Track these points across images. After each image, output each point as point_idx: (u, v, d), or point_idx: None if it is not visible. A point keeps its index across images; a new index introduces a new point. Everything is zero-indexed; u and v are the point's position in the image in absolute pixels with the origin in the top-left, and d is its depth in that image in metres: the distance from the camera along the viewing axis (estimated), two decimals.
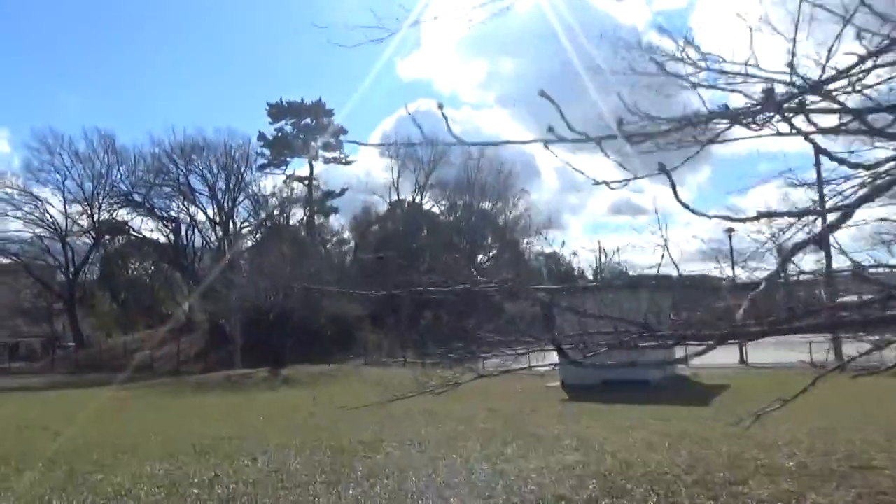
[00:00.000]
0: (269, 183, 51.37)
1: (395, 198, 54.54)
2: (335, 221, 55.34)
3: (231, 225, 47.80)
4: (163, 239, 47.87)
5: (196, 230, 48.22)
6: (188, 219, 47.81)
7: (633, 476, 6.42)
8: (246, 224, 47.83)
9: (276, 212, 50.15)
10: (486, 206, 55.43)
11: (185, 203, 46.80)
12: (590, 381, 17.10)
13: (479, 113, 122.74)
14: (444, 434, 9.76)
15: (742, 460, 6.83)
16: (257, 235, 48.14)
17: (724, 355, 25.06)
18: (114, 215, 46.40)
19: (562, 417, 11.52)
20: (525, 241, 56.98)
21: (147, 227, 48.14)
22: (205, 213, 47.97)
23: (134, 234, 47.98)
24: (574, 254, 64.66)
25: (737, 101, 4.53)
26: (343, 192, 53.00)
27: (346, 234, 56.32)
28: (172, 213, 46.76)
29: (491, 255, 56.86)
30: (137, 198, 44.57)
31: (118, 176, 45.37)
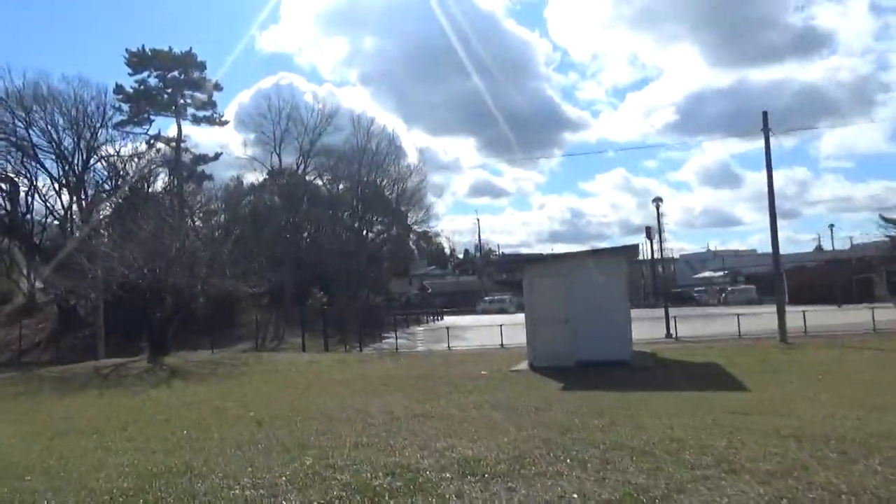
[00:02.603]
0: (127, 144, 44.86)
1: (275, 164, 49.75)
2: (205, 191, 49.54)
3: (82, 191, 40.95)
4: None
5: (37, 195, 40.91)
6: (27, 181, 40.40)
7: None
8: (101, 191, 41.19)
9: (136, 177, 43.74)
10: (373, 178, 51.96)
11: (25, 162, 39.39)
12: (562, 363, 14.89)
13: (341, 90, 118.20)
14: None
15: None
16: (114, 203, 41.64)
17: (651, 330, 24.06)
18: None
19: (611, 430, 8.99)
20: (413, 217, 54.40)
21: None
22: (49, 175, 40.76)
23: None
24: (438, 234, 63.06)
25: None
26: (217, 156, 47.60)
27: (214, 205, 50.61)
28: (8, 174, 39.11)
29: (376, 230, 53.64)
30: None
31: None
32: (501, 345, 24.52)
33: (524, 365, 15.96)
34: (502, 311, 55.03)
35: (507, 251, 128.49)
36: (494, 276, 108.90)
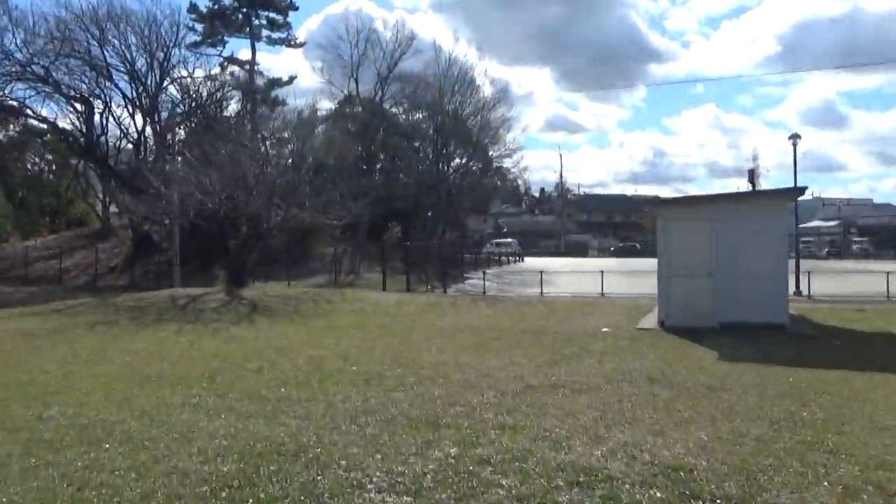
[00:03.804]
0: (201, 66, 44.14)
1: (352, 90, 48.24)
2: (279, 118, 48.56)
3: (156, 113, 40.54)
4: (70, 126, 40.19)
5: (112, 117, 40.73)
6: (102, 102, 40.17)
7: None
8: (175, 114, 40.69)
9: (210, 100, 43.06)
10: (454, 107, 49.70)
11: (99, 81, 39.03)
12: (702, 323, 13.07)
13: (413, 17, 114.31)
14: None
15: None
16: (188, 127, 41.18)
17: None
18: (7, 92, 38.14)
19: None
20: (493, 151, 52.15)
21: (51, 111, 40.52)
22: (123, 95, 40.41)
23: (34, 118, 40.04)
24: (524, 169, 59.80)
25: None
26: (291, 80, 46.42)
27: (287, 132, 49.62)
28: (83, 94, 38.94)
29: (457, 163, 51.74)
30: (37, 70, 36.44)
31: (12, 43, 36.90)
32: (602, 293, 22.83)
33: (650, 322, 14.20)
34: (515, 255, 53.71)
35: (587, 191, 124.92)
36: (575, 217, 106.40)
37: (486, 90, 49.66)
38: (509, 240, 61.04)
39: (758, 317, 12.81)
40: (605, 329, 13.35)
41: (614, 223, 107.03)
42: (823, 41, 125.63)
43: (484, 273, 27.72)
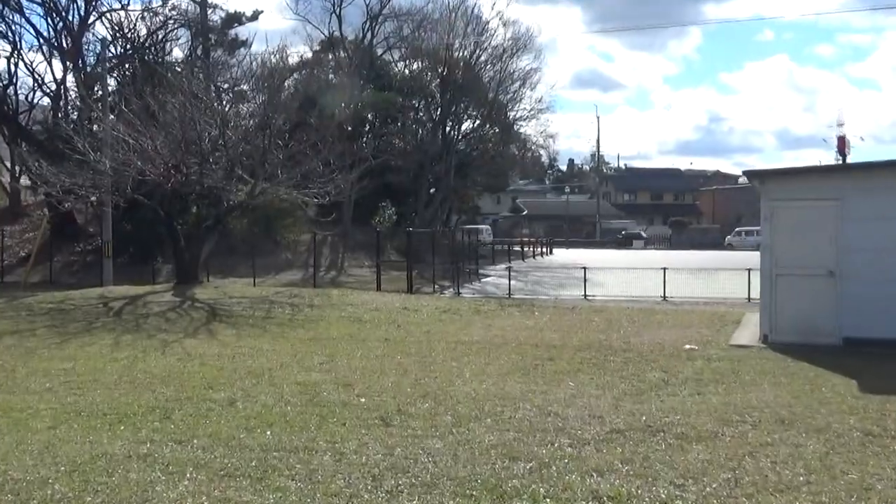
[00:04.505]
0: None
1: (333, 30, 47.34)
2: (239, 65, 47.53)
3: (80, 59, 39.61)
4: None
5: (23, 62, 39.83)
6: (9, 43, 39.26)
7: None
8: (107, 57, 39.78)
9: (149, 41, 42.11)
10: (465, 55, 48.65)
11: (6, 15, 38.13)
12: (819, 339, 12.31)
13: None
14: None
15: None
16: (121, 76, 40.24)
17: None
18: None
19: None
20: (514, 112, 51.05)
21: None
22: (38, 34, 39.52)
23: None
24: (551, 136, 58.91)
25: None
26: (256, 15, 45.29)
27: (249, 85, 48.54)
28: None
29: (467, 126, 50.74)
30: None
31: None
32: (664, 297, 22.12)
33: (748, 336, 13.41)
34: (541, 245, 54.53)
35: (631, 164, 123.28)
36: (612, 198, 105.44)
37: (501, 36, 48.51)
38: (481, 226, 60.66)
39: (894, 331, 12.03)
40: (688, 346, 12.58)
41: (664, 205, 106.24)
42: None
43: (509, 270, 26.92)
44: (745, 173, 13.68)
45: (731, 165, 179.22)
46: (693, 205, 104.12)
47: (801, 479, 5.86)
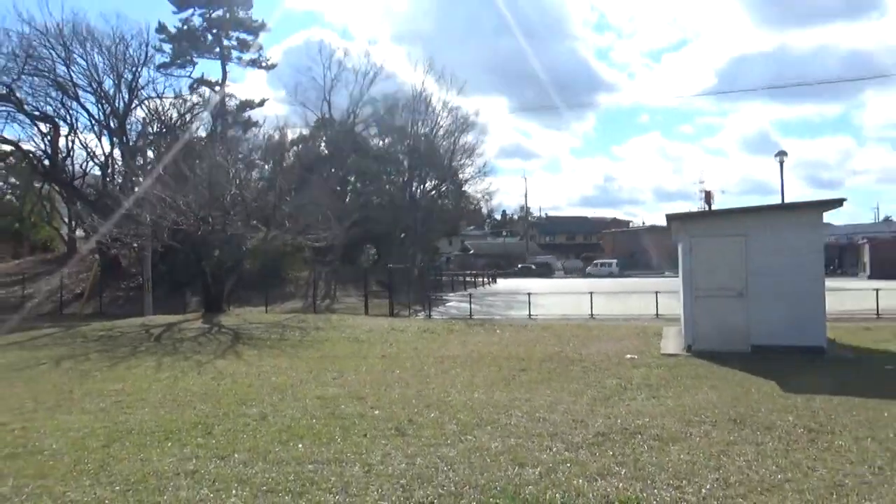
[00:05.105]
0: (170, 88, 41.81)
1: (324, 113, 46.47)
2: (251, 139, 46.30)
3: (124, 135, 38.04)
4: (34, 148, 37.41)
5: (78, 138, 38.11)
6: (67, 124, 37.54)
7: None
8: (144, 135, 38.30)
9: (179, 122, 40.76)
10: (426, 131, 48.14)
11: (65, 102, 36.49)
12: (733, 347, 11.69)
13: (373, 48, 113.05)
14: None
15: None
16: (157, 150, 38.74)
17: None
18: None
19: None
20: (463, 174, 50.59)
21: (12, 132, 37.77)
22: (90, 117, 37.90)
23: None
24: (491, 193, 58.45)
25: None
26: (263, 102, 44.35)
27: (260, 154, 47.29)
28: (48, 114, 36.31)
29: (427, 186, 50.07)
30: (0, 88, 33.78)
31: None
32: (591, 315, 21.44)
33: (674, 346, 12.73)
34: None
35: (551, 213, 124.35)
36: (538, 239, 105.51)
37: (451, 118, 48.20)
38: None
39: (792, 339, 11.46)
40: (629, 356, 11.83)
41: (576, 244, 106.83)
42: (756, 73, 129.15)
43: (470, 296, 26.08)
44: (668, 216, 13.10)
45: (623, 214, 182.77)
46: (598, 244, 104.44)
47: (780, 477, 5.10)
